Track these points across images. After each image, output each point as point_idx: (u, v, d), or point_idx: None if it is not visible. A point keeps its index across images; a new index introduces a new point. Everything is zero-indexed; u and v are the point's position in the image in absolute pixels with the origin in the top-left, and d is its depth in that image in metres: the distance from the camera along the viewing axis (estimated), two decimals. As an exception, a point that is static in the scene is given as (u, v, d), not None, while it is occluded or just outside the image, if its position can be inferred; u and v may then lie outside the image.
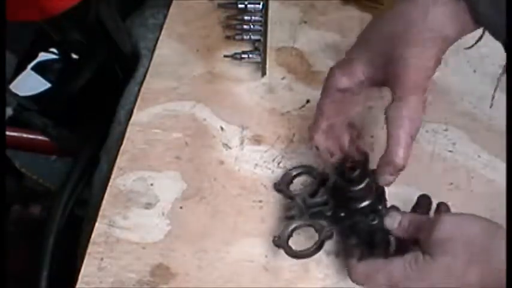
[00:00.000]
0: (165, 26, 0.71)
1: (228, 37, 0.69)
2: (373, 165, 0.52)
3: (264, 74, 0.67)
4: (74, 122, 0.75)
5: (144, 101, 0.65)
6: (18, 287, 0.68)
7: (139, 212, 0.58)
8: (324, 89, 0.53)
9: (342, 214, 0.51)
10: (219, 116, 0.65)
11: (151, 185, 0.60)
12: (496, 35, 0.47)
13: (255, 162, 0.61)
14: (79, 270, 0.55)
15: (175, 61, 0.69)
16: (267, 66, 0.67)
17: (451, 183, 0.59)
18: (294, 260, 0.53)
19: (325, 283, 0.55)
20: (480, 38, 0.51)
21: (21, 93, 0.68)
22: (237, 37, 0.69)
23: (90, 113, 0.72)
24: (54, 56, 0.69)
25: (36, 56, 0.69)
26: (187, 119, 0.64)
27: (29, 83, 0.68)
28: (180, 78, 0.67)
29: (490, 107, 0.64)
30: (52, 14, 0.54)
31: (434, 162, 0.61)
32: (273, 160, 0.62)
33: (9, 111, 0.71)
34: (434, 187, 0.57)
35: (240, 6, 0.69)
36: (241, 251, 0.56)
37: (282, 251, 0.53)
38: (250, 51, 0.67)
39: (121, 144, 0.62)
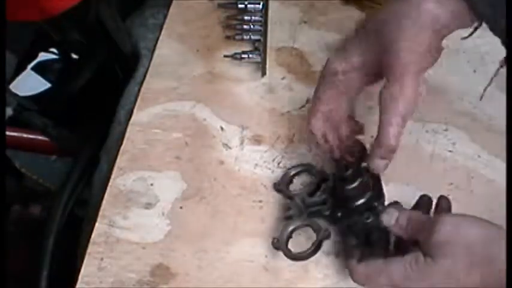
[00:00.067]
0: (165, 26, 0.71)
1: (228, 37, 0.69)
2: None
3: (264, 74, 0.67)
4: (74, 122, 0.75)
5: (144, 101, 0.65)
6: (18, 287, 0.68)
7: (139, 212, 0.59)
8: (321, 76, 0.53)
9: (340, 214, 0.51)
10: (219, 116, 0.65)
11: (151, 185, 0.60)
12: (494, 31, 0.47)
13: (255, 162, 0.61)
14: (79, 270, 0.55)
15: (175, 61, 0.69)
16: (267, 66, 0.67)
17: (451, 183, 0.59)
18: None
19: (325, 283, 0.55)
20: (476, 28, 0.51)
21: (21, 93, 0.68)
22: (237, 37, 0.69)
23: (90, 113, 0.72)
24: (54, 56, 0.69)
25: (36, 56, 0.69)
26: (187, 119, 0.64)
27: (29, 83, 0.68)
28: (180, 78, 0.67)
29: (480, 99, 0.63)
30: (52, 14, 0.54)
31: (434, 162, 0.61)
32: (273, 160, 0.62)
33: (9, 111, 0.71)
34: (434, 187, 0.57)
35: (240, 6, 0.69)
36: (241, 251, 0.56)
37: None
38: (250, 51, 0.67)
39: (121, 144, 0.62)
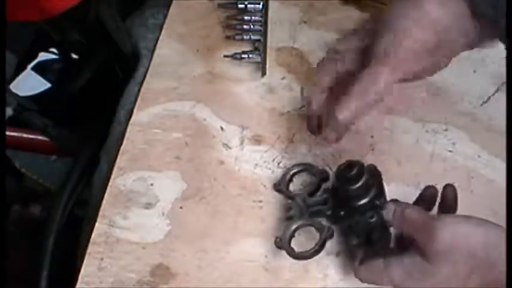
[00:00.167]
0: (165, 26, 0.71)
1: (228, 37, 0.69)
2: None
3: (264, 74, 0.67)
4: (74, 122, 0.75)
5: (144, 101, 0.65)
6: (18, 287, 0.68)
7: (139, 212, 0.59)
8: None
9: (342, 213, 0.51)
10: (219, 116, 0.65)
11: (151, 185, 0.60)
12: (495, 32, 0.47)
13: (255, 162, 0.61)
14: (79, 270, 0.55)
15: (175, 61, 0.69)
16: (267, 66, 0.67)
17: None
18: (294, 260, 0.53)
19: (325, 283, 0.55)
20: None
21: (21, 93, 0.68)
22: (237, 37, 0.69)
23: (90, 113, 0.72)
24: (54, 56, 0.69)
25: (36, 56, 0.68)
26: (187, 119, 0.64)
27: (29, 83, 0.68)
28: (180, 78, 0.67)
29: (482, 104, 0.64)
30: (52, 14, 0.54)
31: (434, 162, 0.61)
32: (273, 160, 0.62)
33: (9, 111, 0.71)
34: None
35: (240, 6, 0.69)
36: (241, 251, 0.56)
37: (282, 251, 0.53)
38: (250, 51, 0.67)
39: (121, 144, 0.63)
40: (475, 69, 0.67)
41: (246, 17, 0.69)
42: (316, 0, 0.73)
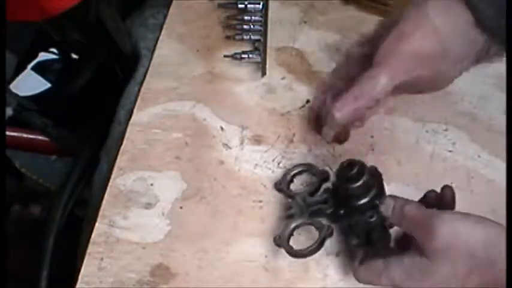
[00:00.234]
0: (165, 26, 0.71)
1: (228, 37, 0.69)
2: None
3: (264, 74, 0.67)
4: (74, 122, 0.75)
5: (144, 101, 0.65)
6: (18, 287, 0.68)
7: (139, 212, 0.59)
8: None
9: (342, 212, 0.51)
10: (219, 116, 0.65)
11: (151, 185, 0.60)
12: (496, 36, 0.47)
13: (255, 162, 0.61)
14: (79, 270, 0.55)
15: (175, 61, 0.69)
16: (267, 66, 0.67)
17: (451, 183, 0.59)
18: (294, 260, 0.53)
19: (325, 283, 0.55)
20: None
21: (21, 93, 0.68)
22: (237, 37, 0.69)
23: (90, 113, 0.72)
24: (54, 56, 0.69)
25: (36, 56, 0.68)
26: (187, 119, 0.64)
27: (29, 83, 0.68)
28: (180, 78, 0.67)
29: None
30: (52, 14, 0.54)
31: (434, 162, 0.61)
32: (273, 160, 0.62)
33: (9, 111, 0.71)
34: (434, 187, 0.56)
35: (240, 6, 0.69)
36: (241, 251, 0.56)
37: (282, 251, 0.53)
38: (250, 51, 0.67)
39: (121, 144, 0.62)
40: (475, 69, 0.67)
41: (246, 17, 0.69)
42: (316, 0, 0.73)
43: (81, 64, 0.70)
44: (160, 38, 0.70)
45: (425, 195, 0.53)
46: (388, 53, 0.49)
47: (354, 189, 0.49)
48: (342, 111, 0.50)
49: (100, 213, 0.58)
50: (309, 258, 0.52)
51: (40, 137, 0.82)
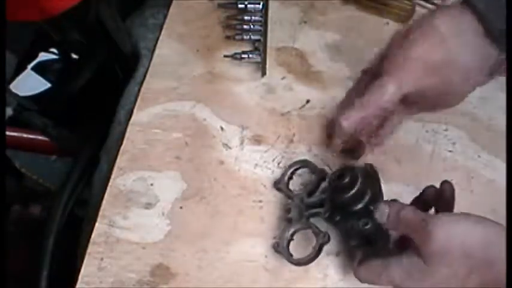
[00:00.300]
0: (165, 26, 0.71)
1: (228, 37, 0.69)
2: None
3: (264, 74, 0.67)
4: (74, 122, 0.75)
5: (144, 101, 0.65)
6: (18, 287, 0.68)
7: (139, 212, 0.59)
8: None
9: (338, 217, 0.51)
10: (219, 116, 0.65)
11: (151, 185, 0.60)
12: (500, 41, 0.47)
13: (255, 162, 0.61)
14: (79, 270, 0.55)
15: (175, 61, 0.68)
16: (267, 66, 0.67)
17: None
18: (294, 261, 0.53)
19: (325, 283, 0.55)
20: None
21: (21, 93, 0.67)
22: (237, 37, 0.69)
23: (90, 113, 0.72)
24: (54, 56, 0.69)
25: (36, 56, 0.68)
26: (187, 119, 0.64)
27: (29, 83, 0.68)
28: (180, 78, 0.67)
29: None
30: (52, 14, 0.54)
31: (434, 162, 0.61)
32: (273, 160, 0.62)
33: (9, 111, 0.71)
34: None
35: (240, 6, 0.69)
36: (241, 251, 0.56)
37: (282, 251, 0.53)
38: (250, 51, 0.67)
39: (121, 144, 0.62)
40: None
41: (246, 17, 0.69)
42: (316, 0, 0.73)
43: (81, 64, 0.70)
44: (160, 38, 0.70)
45: (424, 191, 0.53)
46: (396, 62, 0.48)
47: (347, 197, 0.49)
48: (348, 120, 0.50)
49: (100, 213, 0.58)
50: (308, 259, 0.53)
51: (40, 137, 0.82)
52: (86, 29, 0.64)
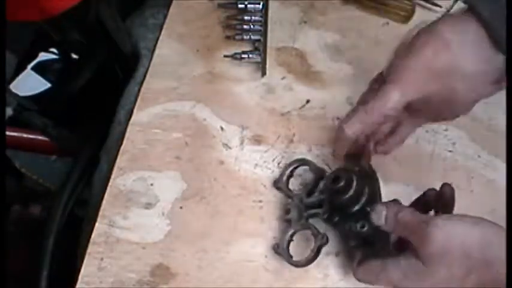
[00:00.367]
0: (165, 26, 0.71)
1: (228, 37, 0.69)
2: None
3: (264, 74, 0.67)
4: (74, 122, 0.75)
5: (144, 101, 0.65)
6: (18, 287, 0.68)
7: (139, 212, 0.59)
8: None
9: (336, 218, 0.51)
10: (219, 116, 0.65)
11: (151, 185, 0.60)
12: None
13: (255, 162, 0.61)
14: (79, 270, 0.55)
15: (175, 61, 0.68)
16: (267, 66, 0.67)
17: (451, 183, 0.59)
18: (294, 261, 0.53)
19: (325, 283, 0.55)
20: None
21: (21, 93, 0.67)
22: (237, 37, 0.69)
23: (90, 113, 0.72)
24: (54, 56, 0.69)
25: (36, 56, 0.68)
26: (187, 119, 0.64)
27: (29, 83, 0.68)
28: (180, 78, 0.67)
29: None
30: (52, 14, 0.54)
31: (434, 162, 0.61)
32: (273, 160, 0.62)
33: (9, 111, 0.71)
34: (434, 187, 0.57)
35: (240, 6, 0.69)
36: (241, 251, 0.56)
37: (282, 251, 0.53)
38: (250, 51, 0.67)
39: (121, 144, 0.62)
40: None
41: (246, 17, 0.69)
42: (316, 0, 0.73)
43: (81, 64, 0.70)
44: (160, 38, 0.70)
45: (424, 193, 0.53)
46: (399, 69, 0.48)
47: (344, 200, 0.49)
48: (351, 126, 0.50)
49: (100, 213, 0.58)
50: (308, 259, 0.53)
51: (40, 137, 0.82)
52: (86, 29, 0.64)
